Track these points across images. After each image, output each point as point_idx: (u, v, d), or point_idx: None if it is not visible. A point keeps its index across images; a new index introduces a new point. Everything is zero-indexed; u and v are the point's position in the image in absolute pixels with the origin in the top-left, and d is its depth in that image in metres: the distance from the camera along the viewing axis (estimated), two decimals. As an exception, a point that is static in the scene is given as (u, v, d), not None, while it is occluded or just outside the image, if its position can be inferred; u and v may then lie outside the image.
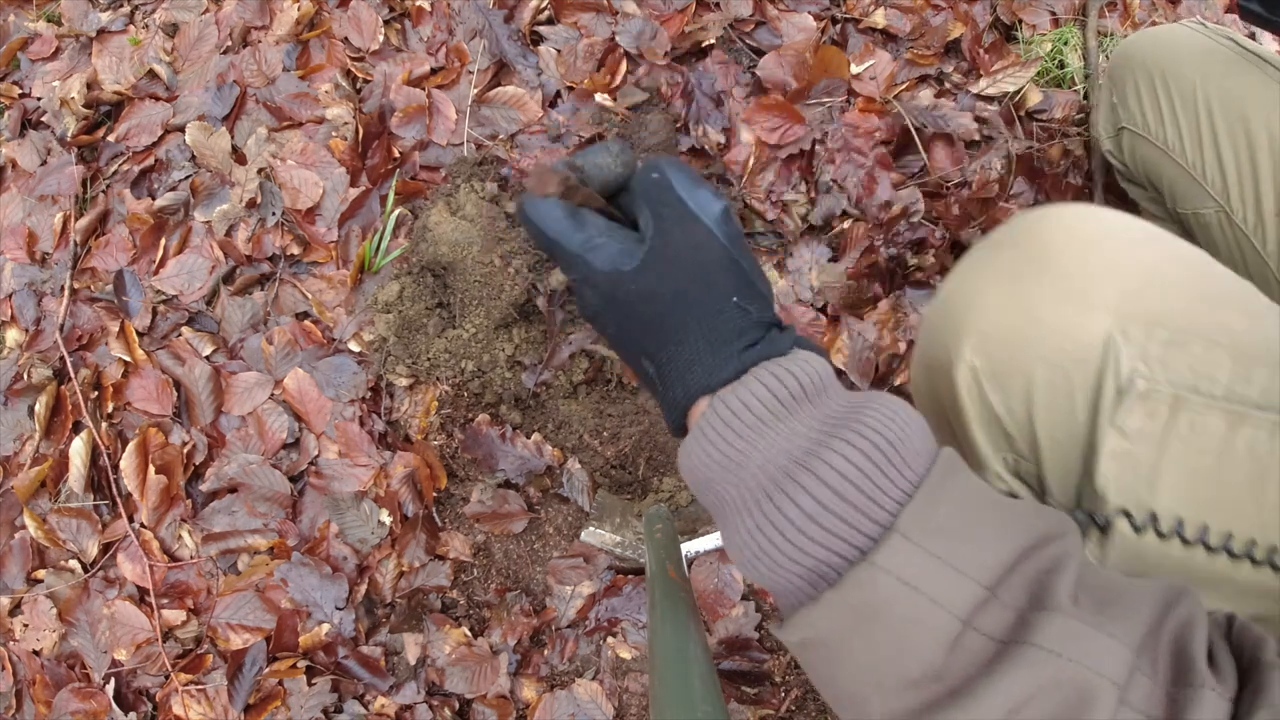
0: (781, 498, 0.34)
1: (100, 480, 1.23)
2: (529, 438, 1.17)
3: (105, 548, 1.21)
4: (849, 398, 0.37)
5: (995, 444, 0.51)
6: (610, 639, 1.12)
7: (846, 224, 1.19)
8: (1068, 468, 0.49)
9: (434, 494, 1.16)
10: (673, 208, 0.40)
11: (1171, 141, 0.85)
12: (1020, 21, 1.28)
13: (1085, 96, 1.24)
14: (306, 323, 1.25)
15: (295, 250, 1.27)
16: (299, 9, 1.36)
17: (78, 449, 1.21)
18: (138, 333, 1.27)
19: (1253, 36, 1.31)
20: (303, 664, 1.12)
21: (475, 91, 1.29)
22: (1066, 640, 0.31)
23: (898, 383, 1.13)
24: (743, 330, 0.38)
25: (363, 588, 1.15)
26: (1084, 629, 0.31)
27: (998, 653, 0.31)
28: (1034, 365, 0.48)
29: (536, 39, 1.31)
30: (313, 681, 1.12)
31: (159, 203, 1.30)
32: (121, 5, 1.46)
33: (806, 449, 0.35)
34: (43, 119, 1.41)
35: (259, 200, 1.28)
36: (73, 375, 1.26)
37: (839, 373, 1.16)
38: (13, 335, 1.32)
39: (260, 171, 1.29)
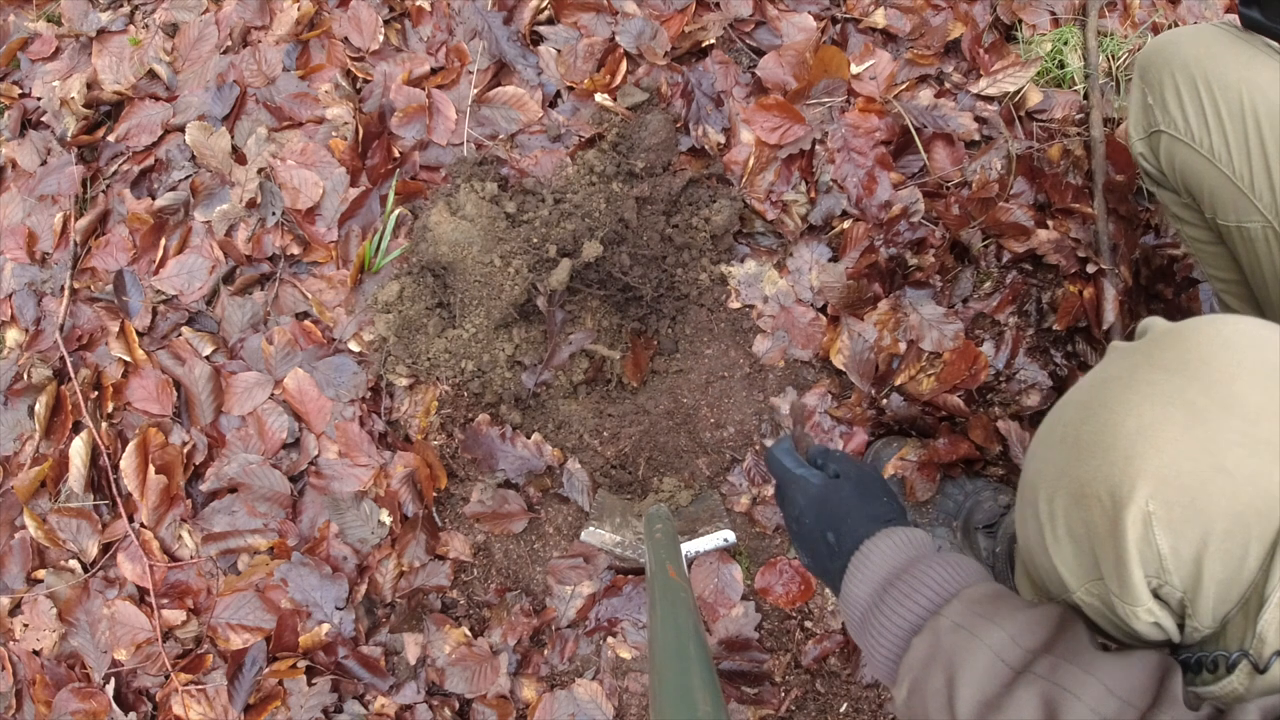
0: (899, 583, 0.59)
1: (100, 480, 1.23)
2: (529, 438, 1.17)
3: (105, 548, 1.21)
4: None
5: (1147, 571, 0.50)
6: (610, 639, 1.12)
7: (846, 224, 1.19)
8: (1221, 601, 0.49)
9: (434, 494, 1.16)
10: (848, 461, 0.74)
11: (1218, 150, 0.82)
12: (1020, 21, 1.28)
13: (1085, 96, 1.24)
14: (306, 323, 1.25)
15: (295, 250, 1.27)
16: (299, 9, 1.36)
17: (78, 449, 1.21)
18: (138, 333, 1.27)
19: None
20: (303, 664, 1.12)
21: (475, 91, 1.29)
22: (1058, 672, 0.47)
23: (898, 382, 1.13)
24: (887, 515, 0.67)
25: (363, 588, 1.15)
26: (1073, 669, 0.47)
27: (1014, 678, 0.49)
28: (1215, 518, 0.47)
29: (536, 39, 1.31)
30: (313, 681, 1.12)
31: (159, 203, 1.31)
32: (121, 5, 1.46)
33: (912, 562, 0.60)
34: (43, 119, 1.41)
35: (259, 200, 1.28)
36: (73, 375, 1.26)
37: (839, 373, 1.16)
38: (13, 335, 1.32)
39: (260, 171, 1.29)
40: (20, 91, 1.44)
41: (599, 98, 1.24)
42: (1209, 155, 0.84)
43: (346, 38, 1.35)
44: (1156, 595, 0.50)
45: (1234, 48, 0.84)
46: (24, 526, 1.22)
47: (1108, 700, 0.45)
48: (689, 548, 1.06)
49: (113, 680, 1.16)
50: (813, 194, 1.21)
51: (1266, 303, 0.87)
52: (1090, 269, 1.14)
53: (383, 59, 1.34)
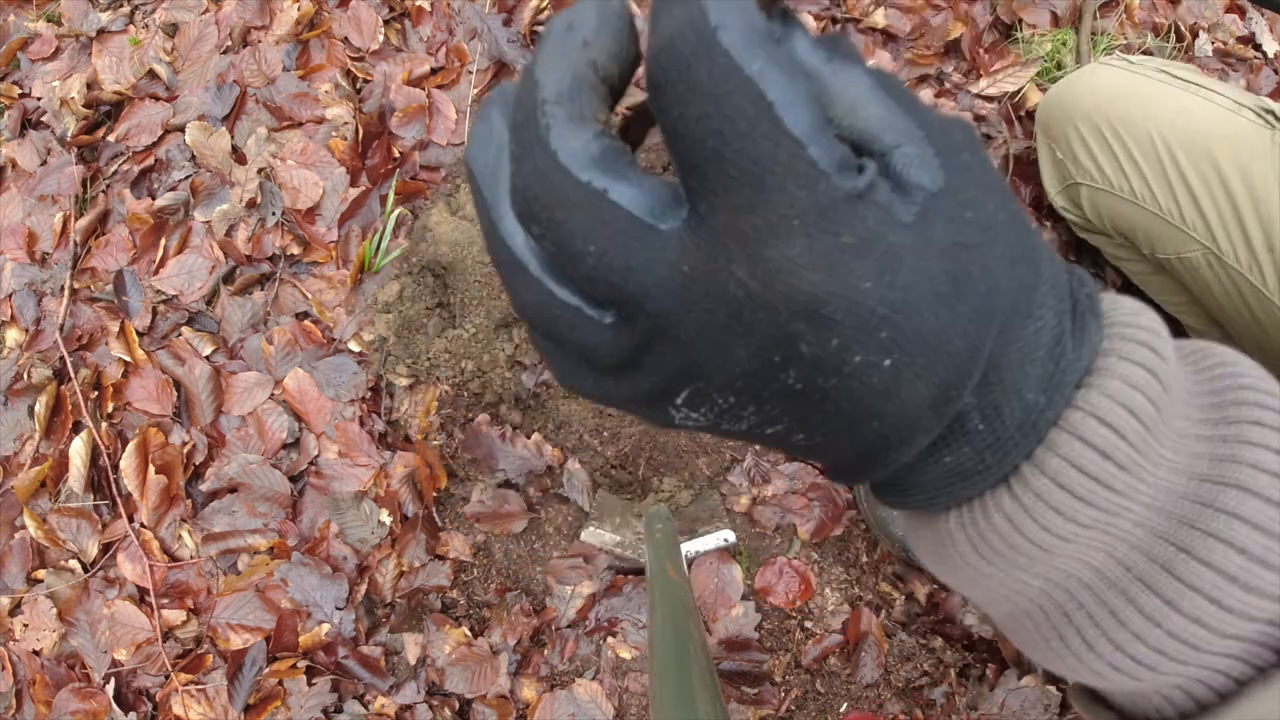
0: (1205, 544, 0.22)
1: (100, 480, 1.23)
2: (529, 438, 1.17)
3: (105, 548, 1.21)
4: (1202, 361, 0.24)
5: None
6: (610, 639, 1.12)
7: (846, 224, 1.19)
8: None
9: (434, 494, 1.16)
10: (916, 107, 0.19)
11: (1140, 192, 0.84)
12: (1020, 21, 1.28)
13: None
14: (306, 323, 1.25)
15: (295, 250, 1.27)
16: (299, 9, 1.36)
17: (78, 449, 1.21)
18: (138, 333, 1.27)
19: (1251, 38, 1.31)
20: (303, 664, 1.12)
21: (475, 91, 1.29)
22: None
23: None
24: (1055, 299, 0.21)
25: (363, 588, 1.15)
26: None
27: None
28: None
29: (536, 39, 1.31)
30: (313, 681, 1.12)
31: (159, 203, 1.30)
32: (121, 5, 1.46)
33: (1205, 474, 0.22)
34: (43, 119, 1.41)
35: (259, 200, 1.28)
36: (73, 375, 1.26)
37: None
38: (13, 335, 1.32)
39: (260, 171, 1.29)
40: (20, 91, 1.44)
41: (599, 98, 1.24)
42: (1133, 199, 0.85)
43: (346, 38, 1.35)
44: None
45: (1129, 87, 0.85)
46: (24, 526, 1.22)
47: None
48: (689, 548, 1.06)
49: (113, 680, 1.16)
50: (813, 194, 1.21)
51: (1225, 320, 0.87)
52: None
53: (383, 59, 1.34)
